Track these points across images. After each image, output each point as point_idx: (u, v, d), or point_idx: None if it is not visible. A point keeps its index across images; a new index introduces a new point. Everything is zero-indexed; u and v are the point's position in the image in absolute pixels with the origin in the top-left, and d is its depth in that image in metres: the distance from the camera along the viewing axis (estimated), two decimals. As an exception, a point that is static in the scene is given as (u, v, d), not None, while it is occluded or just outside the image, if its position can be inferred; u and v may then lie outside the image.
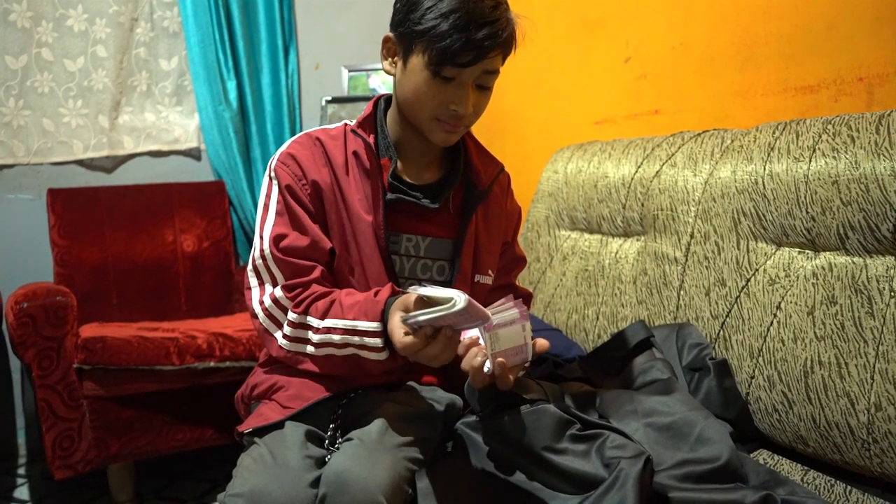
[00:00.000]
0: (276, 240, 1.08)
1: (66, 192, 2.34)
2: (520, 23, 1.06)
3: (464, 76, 1.03)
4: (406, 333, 0.90)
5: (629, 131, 1.88)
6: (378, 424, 0.97)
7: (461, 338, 0.93)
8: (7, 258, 2.34)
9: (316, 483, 0.92)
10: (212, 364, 1.86)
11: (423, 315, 0.86)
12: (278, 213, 1.09)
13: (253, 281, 1.10)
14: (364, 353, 1.01)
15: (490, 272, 1.21)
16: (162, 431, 1.89)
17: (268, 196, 1.11)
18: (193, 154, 2.66)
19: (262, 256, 1.09)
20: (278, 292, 1.07)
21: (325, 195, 1.10)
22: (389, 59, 1.10)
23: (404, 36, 1.04)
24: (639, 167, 1.54)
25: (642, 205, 1.50)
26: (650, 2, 1.81)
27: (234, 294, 2.53)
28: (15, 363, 2.37)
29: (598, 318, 1.56)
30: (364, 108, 1.19)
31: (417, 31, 1.01)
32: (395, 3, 1.07)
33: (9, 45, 2.32)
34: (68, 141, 2.44)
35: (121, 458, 1.86)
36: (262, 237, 1.09)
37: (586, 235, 1.71)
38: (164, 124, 2.59)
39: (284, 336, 1.06)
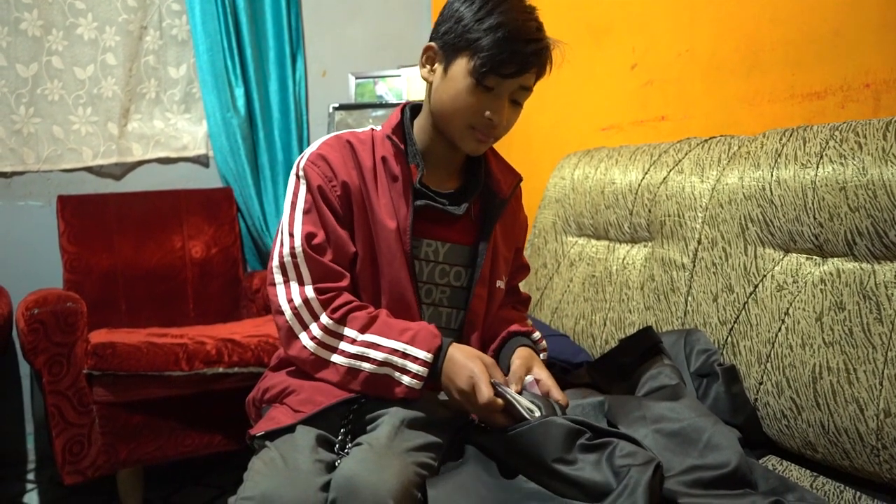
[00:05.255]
0: (308, 237, 1.08)
1: (75, 198, 2.35)
2: (559, 47, 1.11)
3: (503, 87, 1.07)
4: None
5: (636, 138, 1.88)
6: (388, 429, 0.97)
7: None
8: (17, 264, 2.36)
9: (326, 487, 0.92)
10: (220, 370, 1.86)
11: (511, 396, 1.00)
12: (306, 212, 1.10)
13: (278, 277, 1.10)
14: (399, 376, 1.03)
15: (504, 277, 1.25)
16: (171, 437, 1.90)
17: (295, 195, 1.12)
18: (202, 161, 2.67)
19: (293, 254, 1.08)
20: (310, 293, 1.07)
21: (354, 197, 1.11)
22: (428, 67, 1.13)
23: (449, 44, 1.08)
24: (646, 173, 1.54)
25: (649, 211, 1.51)
26: (656, 9, 1.81)
27: (242, 300, 2.54)
28: (24, 369, 2.38)
29: (605, 323, 1.56)
30: (381, 115, 1.22)
31: (466, 39, 1.05)
32: (441, 14, 1.11)
33: (20, 53, 2.35)
34: (78, 148, 2.46)
35: (130, 464, 1.87)
36: (292, 234, 1.09)
37: (593, 241, 1.71)
38: (173, 131, 2.61)
39: (312, 338, 1.06)
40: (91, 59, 2.45)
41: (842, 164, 1.10)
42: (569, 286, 1.72)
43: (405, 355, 1.03)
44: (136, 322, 2.33)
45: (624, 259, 1.57)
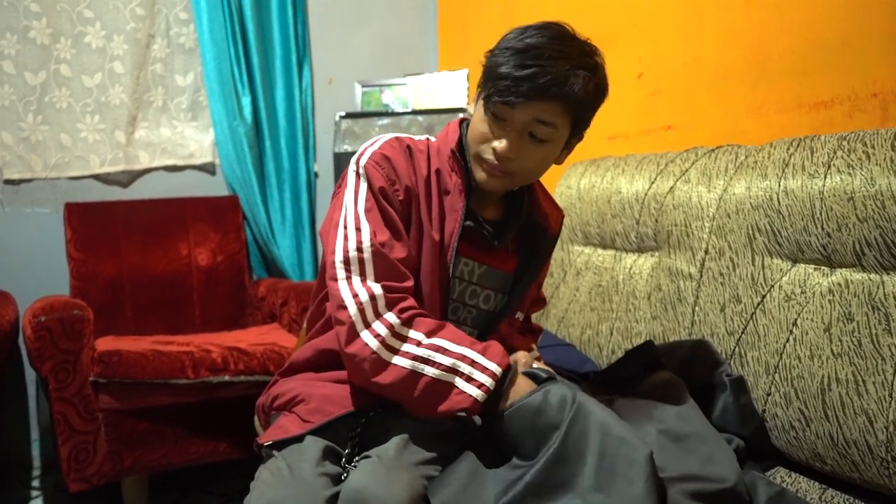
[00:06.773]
0: (376, 234, 1.05)
1: (82, 206, 2.36)
2: (583, 78, 1.02)
3: (513, 118, 1.02)
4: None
5: (642, 147, 1.88)
6: (396, 442, 0.97)
7: None
8: (24, 271, 2.37)
9: (332, 499, 0.92)
10: (226, 378, 1.86)
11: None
12: (367, 210, 1.06)
13: (341, 273, 1.04)
14: (463, 384, 0.98)
15: (524, 310, 1.27)
16: (176, 445, 1.90)
17: (356, 191, 1.08)
18: (208, 169, 2.68)
19: (359, 248, 1.03)
20: (377, 289, 1.02)
21: (413, 203, 1.09)
22: (475, 103, 1.12)
23: (483, 75, 1.07)
24: (652, 183, 1.54)
25: (656, 220, 1.50)
26: (663, 17, 1.82)
27: (248, 308, 2.54)
28: (30, 375, 2.38)
29: (611, 333, 1.56)
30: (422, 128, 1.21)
31: (488, 66, 1.04)
32: None
33: (28, 61, 2.36)
34: (85, 156, 2.47)
35: (135, 472, 1.87)
36: (359, 229, 1.05)
37: (600, 251, 1.71)
38: (180, 139, 2.62)
39: (376, 336, 1.00)
40: (99, 68, 2.46)
41: (850, 174, 1.10)
42: (575, 295, 1.71)
43: (474, 363, 0.98)
44: (142, 329, 2.33)
45: (631, 268, 1.57)
